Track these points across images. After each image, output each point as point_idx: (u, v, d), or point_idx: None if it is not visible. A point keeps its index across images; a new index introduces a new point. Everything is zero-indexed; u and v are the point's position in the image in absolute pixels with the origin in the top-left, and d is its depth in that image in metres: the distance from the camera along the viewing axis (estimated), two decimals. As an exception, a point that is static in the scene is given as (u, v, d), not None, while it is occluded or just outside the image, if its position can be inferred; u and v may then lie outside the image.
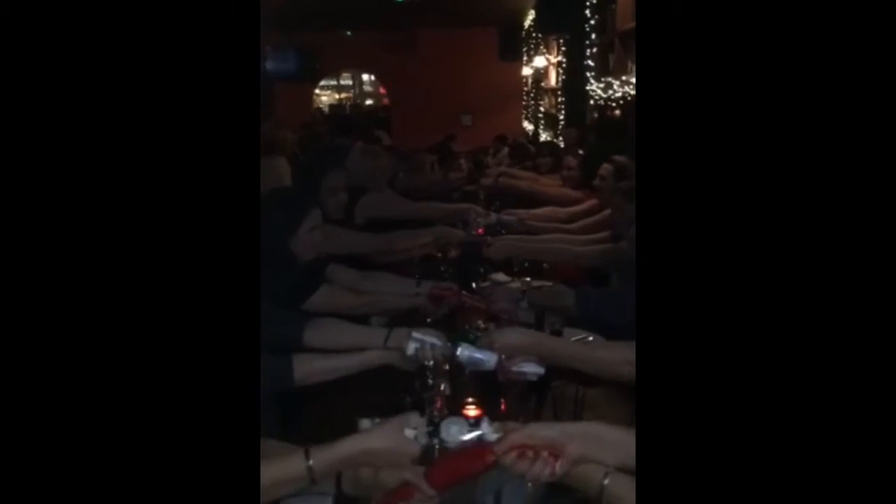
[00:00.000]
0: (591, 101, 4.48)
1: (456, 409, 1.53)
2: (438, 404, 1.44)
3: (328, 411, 1.66)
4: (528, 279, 2.62)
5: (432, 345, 1.42)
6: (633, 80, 3.39)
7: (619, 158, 2.81)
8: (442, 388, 1.50)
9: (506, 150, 5.78)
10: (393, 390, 1.53)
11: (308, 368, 1.45)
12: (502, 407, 1.63)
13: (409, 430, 1.06)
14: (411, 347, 1.43)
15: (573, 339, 1.94)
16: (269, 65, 8.68)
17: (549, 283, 2.57)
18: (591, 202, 3.19)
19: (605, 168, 2.84)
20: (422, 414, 1.34)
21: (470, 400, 1.56)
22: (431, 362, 1.56)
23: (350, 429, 1.11)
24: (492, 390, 1.65)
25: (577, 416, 1.42)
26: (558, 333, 1.92)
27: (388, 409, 1.34)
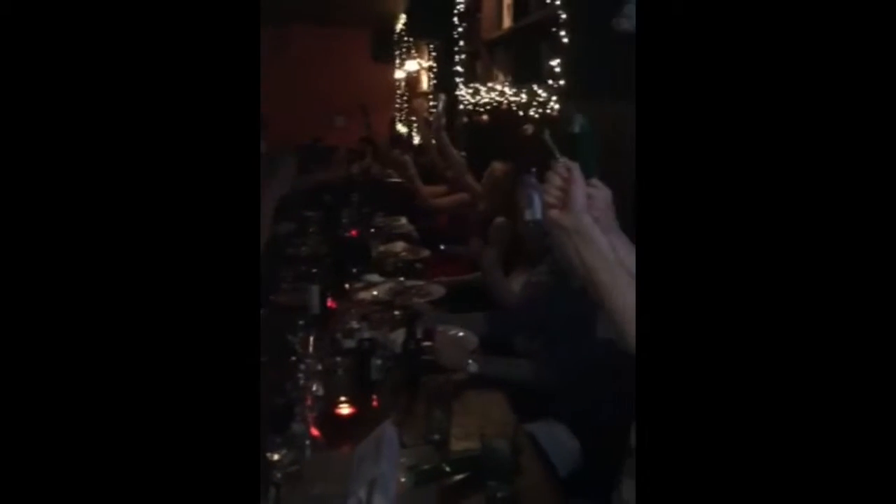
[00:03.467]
0: (461, 106, 4.62)
1: (329, 408, 1.54)
2: (310, 402, 1.45)
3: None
4: (401, 279, 2.68)
5: None
6: (498, 87, 3.55)
7: (498, 165, 2.94)
8: (314, 388, 1.51)
9: (370, 149, 5.81)
10: (269, 392, 1.51)
11: None
12: (375, 403, 1.66)
13: None
14: None
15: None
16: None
17: (422, 283, 2.64)
18: (461, 195, 3.33)
19: (499, 168, 2.92)
20: (291, 415, 1.35)
21: (343, 398, 1.58)
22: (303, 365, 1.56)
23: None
24: (365, 388, 1.68)
25: (447, 408, 1.48)
26: (429, 333, 1.98)
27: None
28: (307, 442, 1.35)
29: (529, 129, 2.93)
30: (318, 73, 8.74)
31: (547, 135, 1.10)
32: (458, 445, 1.46)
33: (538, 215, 1.72)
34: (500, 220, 2.56)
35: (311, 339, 1.70)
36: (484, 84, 4.01)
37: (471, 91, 4.38)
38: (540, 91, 2.83)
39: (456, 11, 4.67)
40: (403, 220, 3.95)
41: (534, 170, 1.50)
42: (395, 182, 4.22)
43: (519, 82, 3.20)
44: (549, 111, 2.72)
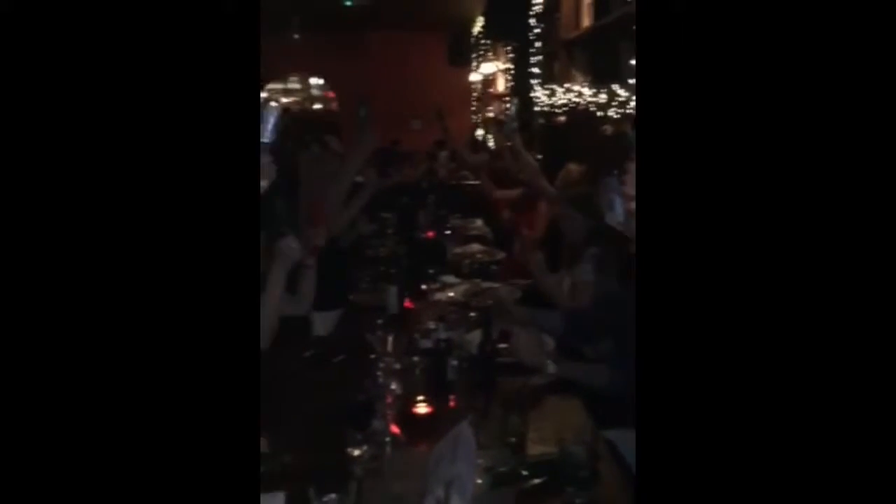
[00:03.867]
0: (537, 108, 4.58)
1: (407, 407, 1.57)
2: (390, 399, 1.47)
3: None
4: (477, 280, 2.68)
5: None
6: (576, 87, 3.50)
7: (573, 167, 2.89)
8: (393, 386, 1.53)
9: (445, 154, 5.85)
10: (346, 390, 1.55)
11: None
12: (452, 403, 1.67)
13: None
14: None
15: None
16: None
17: (497, 285, 2.63)
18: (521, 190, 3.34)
19: (574, 170, 2.89)
20: (371, 412, 1.38)
21: (420, 397, 1.60)
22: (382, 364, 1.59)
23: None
24: (441, 388, 1.69)
25: (524, 411, 1.47)
26: (506, 335, 1.98)
27: (340, 407, 1.37)
28: (387, 439, 1.38)
29: (608, 129, 2.87)
30: (394, 78, 8.88)
31: (629, 135, 1.08)
32: (534, 449, 1.45)
33: (620, 218, 1.67)
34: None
35: (390, 338, 1.73)
36: (561, 85, 3.96)
37: (547, 92, 4.34)
38: (620, 91, 2.77)
39: (533, 12, 4.64)
40: (479, 222, 3.96)
41: (616, 172, 1.47)
42: (470, 184, 4.23)
43: (598, 82, 3.15)
44: (629, 111, 2.66)
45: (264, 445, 1.41)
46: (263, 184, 1.56)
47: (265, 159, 1.54)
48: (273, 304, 1.82)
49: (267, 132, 1.54)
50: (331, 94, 10.72)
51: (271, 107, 1.58)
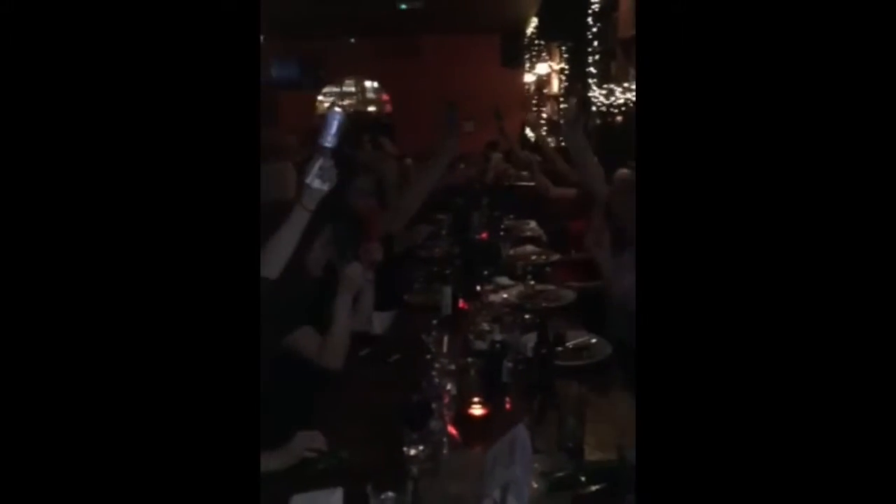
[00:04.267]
0: (594, 108, 4.52)
1: (462, 408, 1.56)
2: (447, 400, 1.47)
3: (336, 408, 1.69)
4: (531, 282, 2.66)
5: None
6: (634, 86, 3.43)
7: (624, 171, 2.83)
8: (448, 387, 1.53)
9: (498, 155, 5.82)
10: (402, 389, 1.55)
11: None
12: (507, 406, 1.65)
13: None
14: None
15: (574, 342, 1.98)
16: (273, 73, 8.75)
17: (552, 287, 2.60)
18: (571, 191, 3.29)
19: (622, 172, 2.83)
20: (428, 412, 1.37)
21: (475, 399, 1.59)
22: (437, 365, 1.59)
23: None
24: (496, 390, 1.68)
25: (580, 416, 1.45)
26: (560, 338, 1.95)
27: (397, 408, 1.37)
28: (444, 439, 1.37)
29: None
30: (447, 80, 8.91)
31: None
32: (591, 455, 1.42)
33: None
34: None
35: (445, 339, 1.73)
36: (619, 84, 3.89)
37: (604, 92, 4.27)
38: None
39: (590, 11, 4.57)
40: (533, 224, 3.92)
41: None
42: (524, 185, 4.20)
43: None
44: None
45: (323, 442, 1.43)
46: (325, 187, 1.57)
47: (326, 164, 1.56)
48: (345, 326, 1.85)
49: (329, 137, 1.55)
50: (385, 97, 10.84)
51: (335, 112, 1.59)
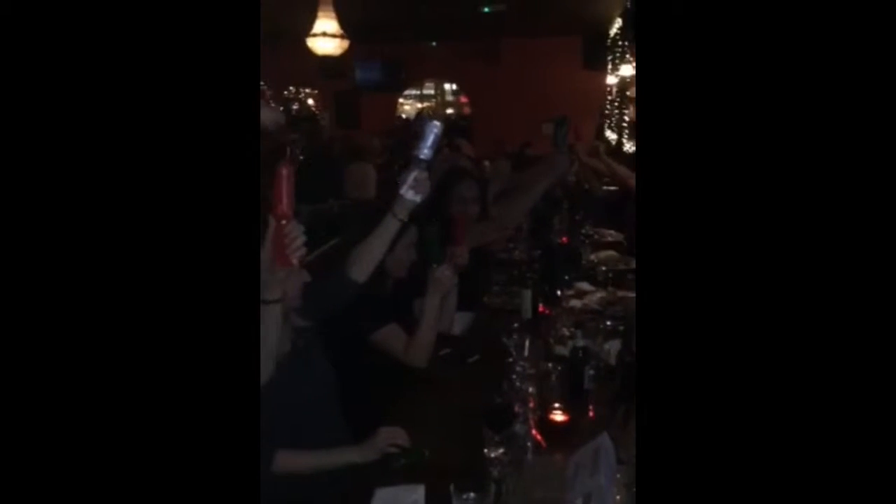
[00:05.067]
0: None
1: (545, 413, 1.55)
2: (532, 404, 1.46)
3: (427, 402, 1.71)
4: (612, 288, 2.60)
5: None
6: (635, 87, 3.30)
7: None
8: (530, 390, 1.52)
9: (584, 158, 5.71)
10: (482, 390, 1.56)
11: (288, 462, 1.43)
12: (590, 414, 1.62)
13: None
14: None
15: None
16: (356, 76, 8.97)
17: (634, 294, 2.54)
18: None
19: None
20: (510, 415, 1.37)
21: (557, 405, 1.58)
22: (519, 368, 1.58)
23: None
24: (577, 397, 1.65)
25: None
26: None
27: (479, 408, 1.37)
28: (528, 444, 1.37)
29: None
30: (528, 82, 8.86)
31: None
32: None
33: None
34: None
35: (526, 342, 1.72)
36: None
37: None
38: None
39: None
40: (614, 231, 3.84)
41: None
42: (607, 190, 4.11)
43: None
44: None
45: (405, 438, 1.45)
46: (417, 198, 1.58)
47: (421, 175, 1.57)
48: (433, 326, 1.87)
49: (426, 149, 1.56)
50: (464, 99, 10.89)
51: (433, 124, 1.56)
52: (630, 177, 3.31)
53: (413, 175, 1.55)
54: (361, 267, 1.63)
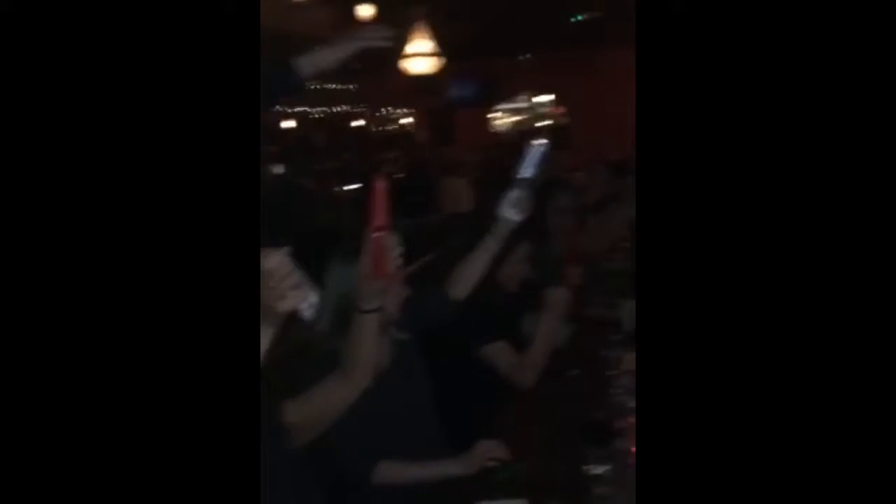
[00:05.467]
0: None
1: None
2: (632, 420, 1.40)
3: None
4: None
5: None
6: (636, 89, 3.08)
7: None
8: (632, 405, 1.46)
9: None
10: (582, 404, 1.52)
11: (388, 473, 1.43)
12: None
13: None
14: None
15: None
16: (450, 93, 9.12)
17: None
18: None
19: None
20: (610, 430, 1.32)
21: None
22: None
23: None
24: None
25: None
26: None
27: (578, 423, 1.34)
28: (630, 460, 1.31)
29: None
30: (622, 91, 8.65)
31: None
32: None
33: None
34: None
35: (627, 355, 1.66)
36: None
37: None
38: None
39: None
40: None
41: None
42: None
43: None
44: None
45: (504, 452, 1.43)
46: (518, 217, 1.57)
47: (523, 194, 1.56)
48: (547, 348, 1.83)
49: (530, 168, 1.55)
50: (560, 110, 10.79)
51: (538, 144, 1.55)
52: None
53: (515, 194, 1.54)
54: (461, 284, 1.64)
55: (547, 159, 1.54)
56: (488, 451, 1.43)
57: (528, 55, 9.44)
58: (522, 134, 7.85)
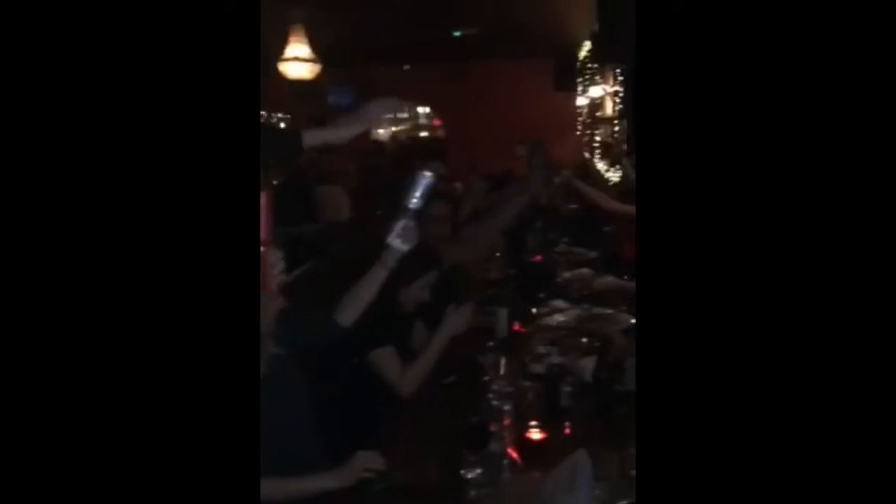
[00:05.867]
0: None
1: (521, 431, 1.54)
2: (508, 423, 1.45)
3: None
4: (587, 305, 2.62)
5: None
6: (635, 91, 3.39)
7: None
8: (506, 409, 1.51)
9: (559, 178, 5.76)
10: (459, 411, 1.55)
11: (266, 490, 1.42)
12: (567, 430, 1.62)
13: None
14: None
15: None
16: (329, 100, 9.00)
17: (610, 311, 2.55)
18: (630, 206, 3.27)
19: None
20: (486, 435, 1.36)
21: (534, 423, 1.57)
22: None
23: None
24: (555, 415, 1.65)
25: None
26: (619, 363, 1.91)
27: (456, 429, 1.36)
28: (504, 463, 1.36)
29: None
30: (500, 104, 8.97)
31: None
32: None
33: None
34: None
35: (502, 361, 1.72)
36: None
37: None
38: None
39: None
40: (587, 248, 3.88)
41: None
42: (572, 209, 4.16)
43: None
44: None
45: (381, 463, 1.43)
46: (405, 247, 1.58)
47: (409, 224, 1.57)
48: (434, 362, 1.89)
49: (415, 199, 1.56)
50: (437, 122, 10.95)
51: (424, 174, 1.56)
52: (601, 198, 3.36)
53: (401, 224, 1.56)
54: (348, 312, 1.64)
55: (433, 189, 1.57)
56: (365, 463, 1.42)
57: (408, 66, 9.53)
58: (400, 144, 7.86)
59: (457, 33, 7.08)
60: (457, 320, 1.91)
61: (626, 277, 3.18)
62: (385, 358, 1.85)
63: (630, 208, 3.33)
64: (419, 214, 1.58)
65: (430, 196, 2.47)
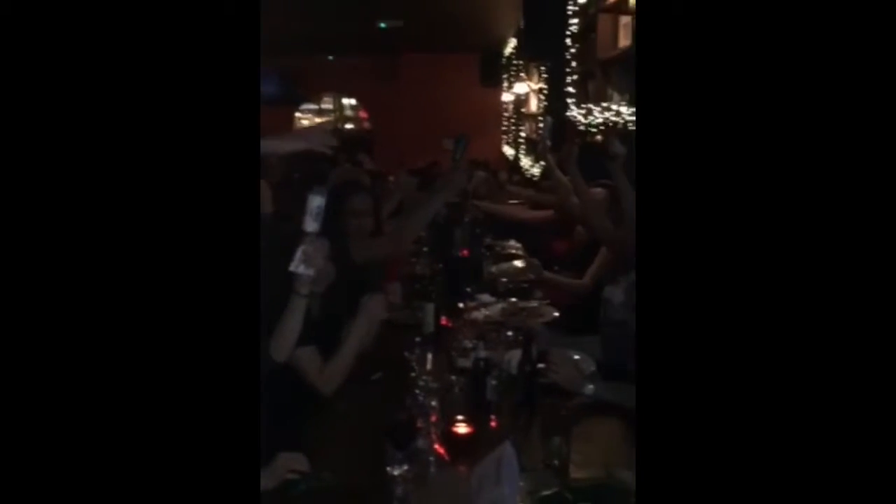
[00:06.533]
0: (581, 127, 4.56)
1: (448, 426, 1.54)
2: (435, 418, 1.45)
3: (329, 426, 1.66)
4: (513, 299, 2.65)
5: None
6: (613, 106, 3.48)
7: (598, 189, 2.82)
8: (433, 404, 1.51)
9: (481, 174, 5.83)
10: (385, 408, 1.53)
11: None
12: (493, 424, 1.64)
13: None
14: None
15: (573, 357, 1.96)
16: (252, 88, 8.74)
17: (535, 304, 2.60)
18: (547, 212, 3.35)
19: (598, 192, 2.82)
20: (413, 431, 1.35)
21: (460, 417, 1.58)
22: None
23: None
24: (481, 408, 1.66)
25: (566, 433, 1.44)
26: (544, 355, 1.95)
27: (382, 426, 1.35)
28: (431, 458, 1.35)
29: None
30: (426, 98, 8.97)
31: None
32: (577, 473, 1.41)
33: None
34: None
35: (428, 356, 1.72)
36: (598, 104, 3.94)
37: (583, 112, 4.32)
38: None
39: (569, 32, 4.64)
40: (514, 242, 3.94)
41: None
42: (493, 206, 4.21)
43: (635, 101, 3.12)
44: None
45: (305, 464, 1.40)
46: (310, 272, 1.55)
47: (309, 249, 1.52)
48: (353, 356, 1.88)
49: (310, 222, 1.50)
50: (363, 114, 10.85)
51: (314, 195, 1.50)
52: (514, 211, 3.48)
53: (301, 250, 1.52)
54: (281, 348, 1.62)
55: (325, 212, 1.53)
56: (287, 464, 1.39)
57: (331, 56, 9.37)
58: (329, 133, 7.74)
59: (382, 25, 7.01)
60: (370, 311, 1.90)
61: (556, 269, 3.24)
62: (305, 357, 1.81)
63: (547, 213, 3.40)
64: (320, 236, 1.55)
65: (351, 189, 2.44)
